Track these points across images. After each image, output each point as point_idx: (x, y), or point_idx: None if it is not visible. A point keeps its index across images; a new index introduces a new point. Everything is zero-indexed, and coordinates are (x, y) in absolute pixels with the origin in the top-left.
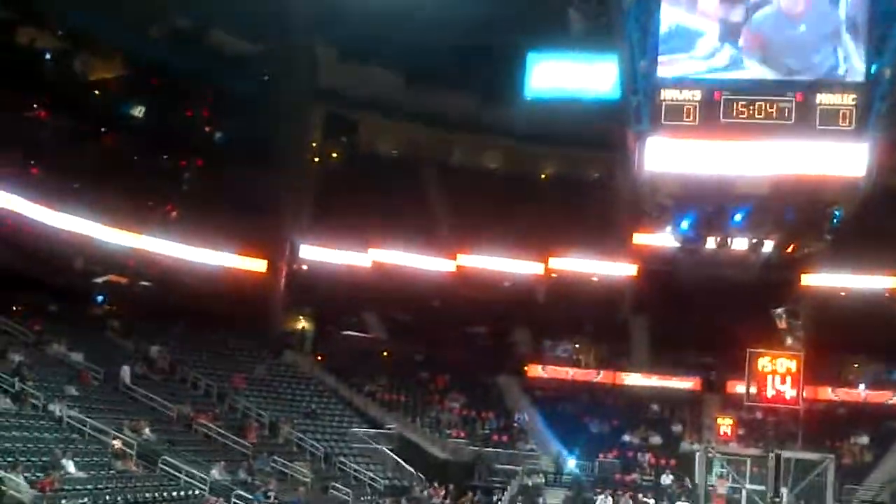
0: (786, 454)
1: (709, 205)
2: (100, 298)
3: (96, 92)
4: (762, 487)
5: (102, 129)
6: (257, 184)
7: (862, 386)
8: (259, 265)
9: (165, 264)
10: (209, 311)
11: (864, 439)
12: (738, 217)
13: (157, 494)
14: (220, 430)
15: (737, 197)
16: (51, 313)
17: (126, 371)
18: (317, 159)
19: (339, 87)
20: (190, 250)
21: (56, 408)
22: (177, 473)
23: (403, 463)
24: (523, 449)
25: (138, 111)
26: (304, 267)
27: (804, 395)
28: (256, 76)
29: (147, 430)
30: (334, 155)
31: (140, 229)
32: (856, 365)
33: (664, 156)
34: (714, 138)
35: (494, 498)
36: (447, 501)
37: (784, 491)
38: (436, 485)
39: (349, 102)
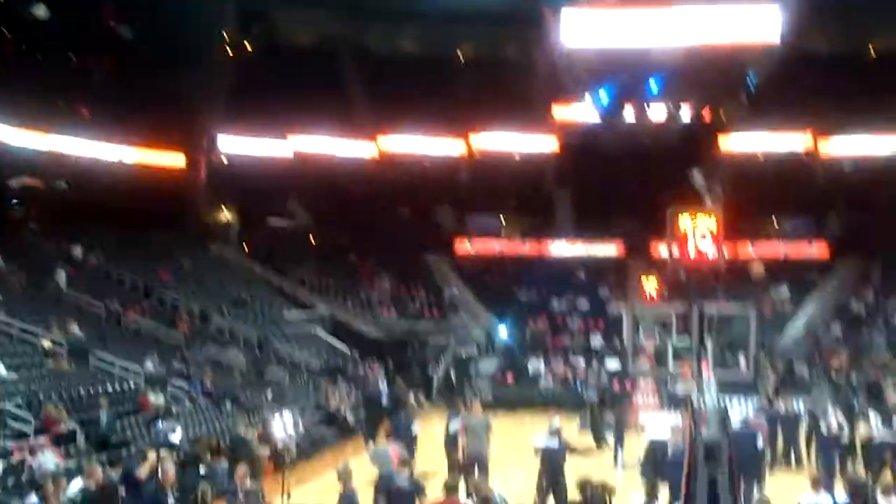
0: (708, 308)
1: (626, 75)
2: (14, 202)
3: None
4: (687, 341)
5: (3, 30)
6: (170, 78)
7: (780, 241)
8: (178, 160)
9: (81, 164)
10: (130, 208)
11: (784, 290)
12: (653, 86)
13: (91, 389)
14: (150, 323)
15: (653, 65)
16: None
17: (61, 275)
18: (230, 51)
19: None
20: (105, 148)
21: None
22: (110, 368)
23: (337, 343)
24: (455, 322)
25: (40, 9)
26: (224, 159)
27: (725, 252)
28: None
29: (76, 329)
30: (248, 47)
31: (51, 129)
32: (774, 221)
33: (581, 29)
34: (629, 8)
35: (429, 371)
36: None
37: (709, 342)
38: (371, 361)
39: None
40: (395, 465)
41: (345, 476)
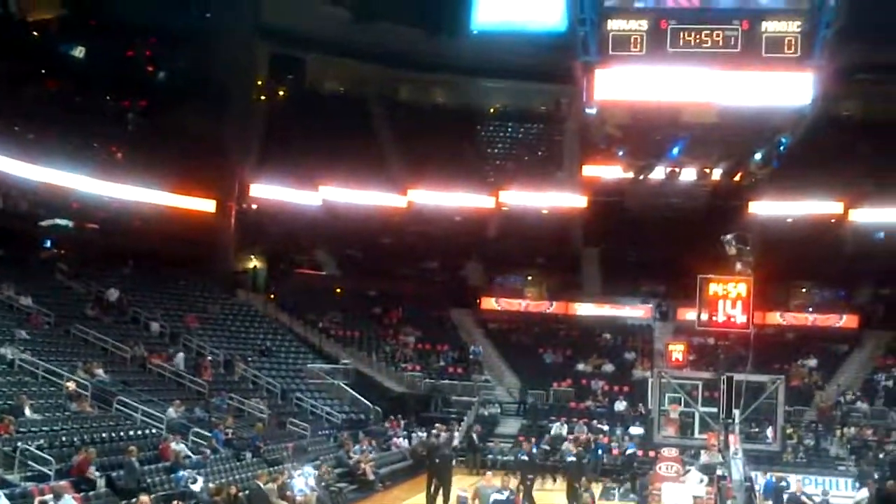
0: (737, 377)
1: (657, 134)
2: (47, 242)
3: (35, 33)
4: (714, 410)
5: (42, 71)
6: (203, 123)
7: (809, 310)
8: (208, 205)
9: (113, 206)
10: (159, 252)
11: (812, 362)
12: (675, 150)
13: (113, 434)
14: (174, 369)
15: (685, 125)
16: None
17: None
18: (263, 98)
19: (284, 24)
20: (137, 191)
21: (7, 351)
22: (133, 413)
23: (360, 397)
24: (478, 380)
25: (78, 52)
26: (254, 206)
27: (754, 319)
28: (199, 14)
29: (101, 372)
30: (281, 93)
31: (83, 171)
32: (803, 290)
33: (612, 86)
34: (661, 66)
35: (452, 429)
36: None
37: (736, 412)
38: (393, 417)
39: (294, 40)
40: None
41: None
